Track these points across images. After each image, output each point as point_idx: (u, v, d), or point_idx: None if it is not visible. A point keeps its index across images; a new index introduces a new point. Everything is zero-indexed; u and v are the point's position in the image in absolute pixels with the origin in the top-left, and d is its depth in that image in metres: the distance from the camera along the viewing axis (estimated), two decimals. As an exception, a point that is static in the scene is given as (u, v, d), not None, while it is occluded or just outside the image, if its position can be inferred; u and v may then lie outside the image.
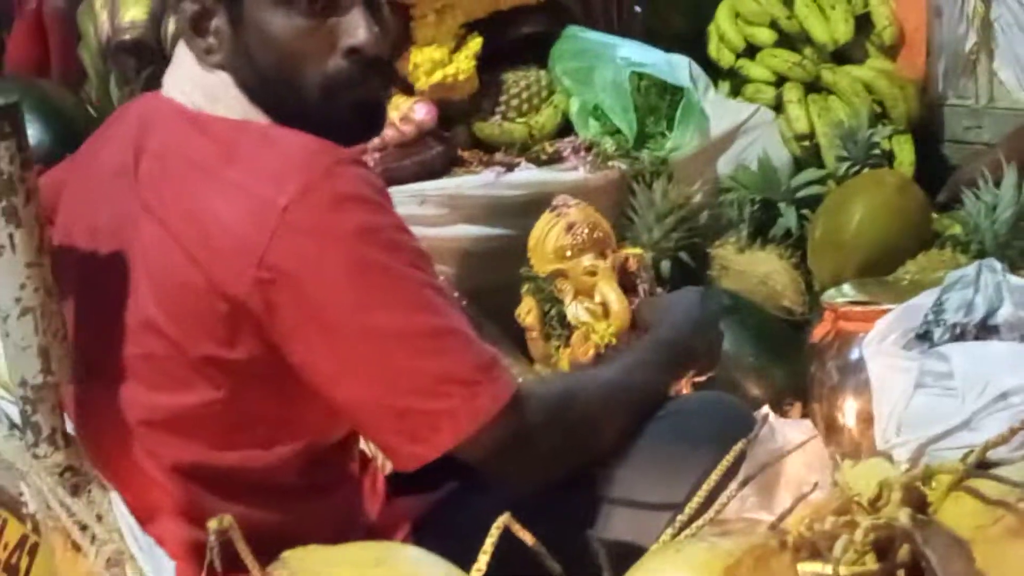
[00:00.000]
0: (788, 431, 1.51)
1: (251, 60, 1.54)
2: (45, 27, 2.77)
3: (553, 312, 2.32)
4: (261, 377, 1.44)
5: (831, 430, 1.87)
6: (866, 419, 1.81)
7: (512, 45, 2.91)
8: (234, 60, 1.54)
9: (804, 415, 1.94)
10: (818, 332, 2.14)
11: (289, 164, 1.42)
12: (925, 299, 1.86)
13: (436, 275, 1.53)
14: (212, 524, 1.06)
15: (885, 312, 1.91)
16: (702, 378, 1.83)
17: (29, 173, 1.41)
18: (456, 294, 2.37)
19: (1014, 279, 1.82)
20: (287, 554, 1.10)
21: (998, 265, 1.83)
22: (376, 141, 2.55)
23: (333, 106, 1.58)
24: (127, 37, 2.48)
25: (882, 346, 1.81)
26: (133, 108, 1.73)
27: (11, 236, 1.40)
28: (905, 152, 2.91)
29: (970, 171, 2.78)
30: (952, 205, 2.74)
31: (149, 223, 1.49)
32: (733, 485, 1.21)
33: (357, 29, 1.54)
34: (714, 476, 1.22)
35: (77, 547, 1.35)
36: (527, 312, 2.36)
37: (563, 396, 1.58)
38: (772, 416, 1.56)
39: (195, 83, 1.54)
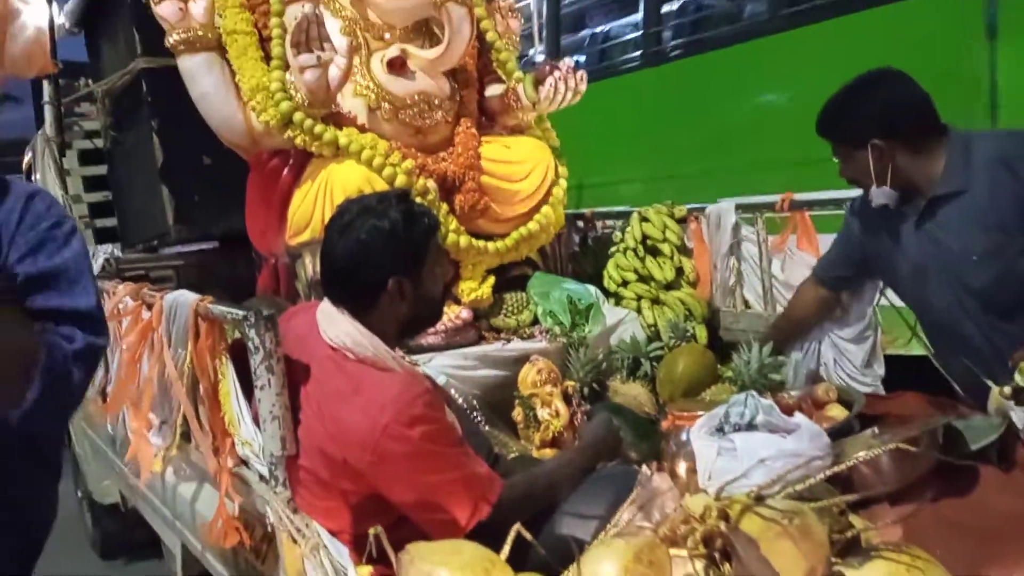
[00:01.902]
0: (656, 480, 1.49)
1: (425, 298, 1.61)
2: (278, 271, 2.77)
3: (531, 414, 2.30)
4: (371, 496, 1.47)
5: (674, 479, 1.83)
6: (692, 471, 1.76)
7: (508, 280, 2.91)
8: (414, 303, 1.60)
9: (660, 470, 1.89)
10: (664, 425, 2.13)
11: (388, 398, 1.44)
12: (719, 410, 1.83)
13: (462, 442, 1.54)
14: (371, 531, 1.04)
15: (698, 416, 1.89)
16: (612, 462, 1.81)
17: (279, 349, 1.42)
18: (480, 408, 2.36)
19: (763, 400, 1.80)
20: (410, 546, 1.08)
21: (755, 394, 1.82)
22: (441, 327, 2.55)
23: (437, 312, 1.67)
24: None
25: (699, 433, 1.78)
26: (295, 322, 1.68)
27: (269, 380, 1.40)
28: (702, 334, 2.90)
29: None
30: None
31: (316, 421, 1.50)
32: (633, 508, 1.19)
33: (449, 270, 1.69)
34: (625, 505, 1.20)
35: (295, 541, 1.32)
36: (517, 414, 2.34)
37: (528, 483, 1.61)
38: (649, 472, 1.54)
39: (348, 335, 1.54)
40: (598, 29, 5.68)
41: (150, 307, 2.11)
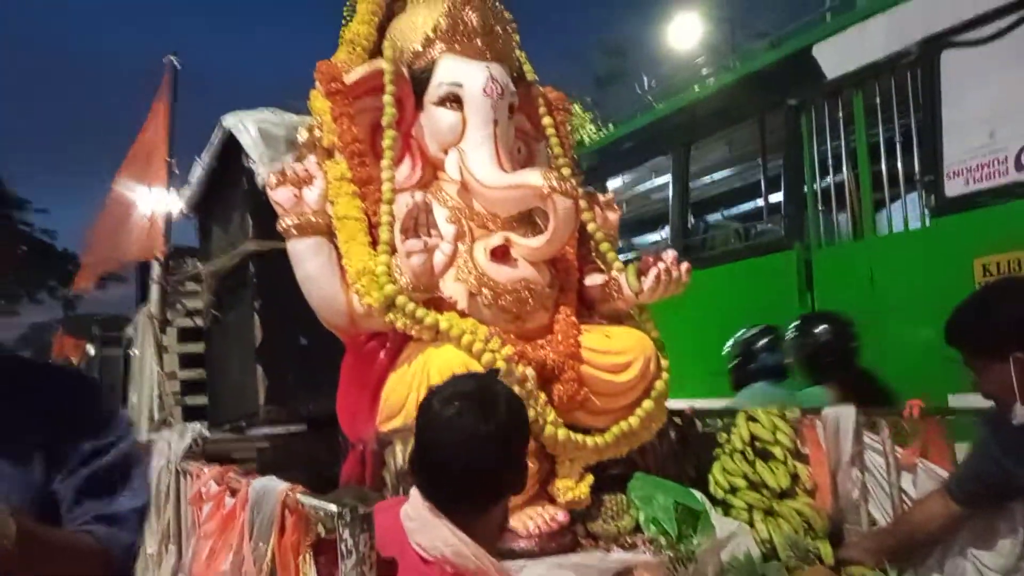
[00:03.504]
0: None
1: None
2: (365, 458, 2.68)
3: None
4: None
5: None
6: None
7: (607, 480, 2.71)
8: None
9: None
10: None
11: None
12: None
13: None
14: None
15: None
16: None
17: (373, 553, 1.30)
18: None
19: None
20: None
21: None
22: (534, 530, 2.38)
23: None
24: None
25: None
26: (378, 521, 1.47)
27: (362, 585, 1.26)
28: (826, 552, 2.60)
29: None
30: None
31: None
32: None
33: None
34: None
35: None
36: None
37: None
38: None
39: (447, 546, 1.38)
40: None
41: (235, 493, 2.03)
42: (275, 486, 1.70)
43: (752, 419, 3.03)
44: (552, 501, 2.54)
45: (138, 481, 1.40)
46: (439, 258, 2.52)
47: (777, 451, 2.90)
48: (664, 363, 2.92)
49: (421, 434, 1.48)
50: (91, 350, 11.84)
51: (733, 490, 2.86)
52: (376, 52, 3.12)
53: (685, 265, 2.90)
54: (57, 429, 1.32)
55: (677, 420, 3.58)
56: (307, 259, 2.72)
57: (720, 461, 2.98)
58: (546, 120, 3.24)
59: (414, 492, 1.48)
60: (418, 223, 2.50)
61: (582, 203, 3.07)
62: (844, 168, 4.30)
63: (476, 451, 1.40)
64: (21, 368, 1.41)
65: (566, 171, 3.08)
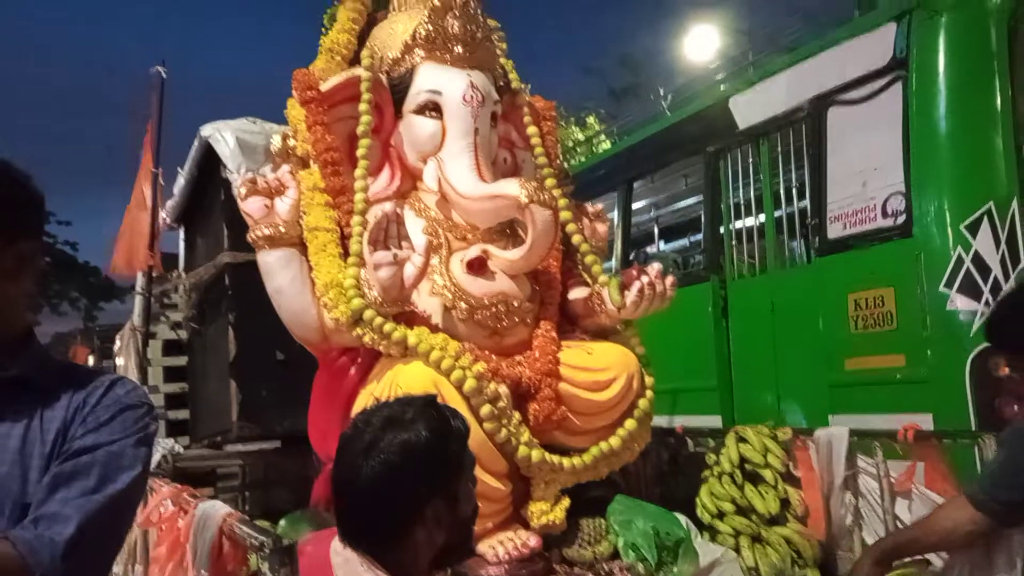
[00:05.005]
0: None
1: (460, 522, 1.39)
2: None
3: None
4: None
5: None
6: None
7: (585, 503, 2.62)
8: (450, 530, 1.37)
9: None
10: None
11: None
12: None
13: None
14: None
15: None
16: None
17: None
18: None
19: None
20: None
21: None
22: (503, 556, 2.30)
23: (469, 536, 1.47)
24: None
25: None
26: (305, 559, 1.46)
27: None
28: (814, 582, 2.52)
29: None
30: None
31: None
32: None
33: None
34: None
35: None
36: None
37: None
38: None
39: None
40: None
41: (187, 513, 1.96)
42: (217, 511, 1.64)
43: (742, 439, 2.94)
44: (525, 525, 2.46)
45: (102, 481, 1.18)
46: (409, 271, 2.45)
47: (767, 474, 2.81)
48: (649, 380, 2.84)
49: (340, 466, 1.40)
50: (91, 360, 11.86)
51: (720, 515, 2.77)
52: (356, 61, 3.07)
53: (670, 279, 2.82)
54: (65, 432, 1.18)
55: (670, 440, 3.49)
56: (277, 271, 2.66)
57: (708, 484, 2.89)
58: (531, 129, 3.18)
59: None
60: (388, 235, 2.43)
61: (567, 214, 3.01)
62: (753, 209, 4.79)
63: (365, 476, 1.32)
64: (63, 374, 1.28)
65: (550, 182, 3.02)
